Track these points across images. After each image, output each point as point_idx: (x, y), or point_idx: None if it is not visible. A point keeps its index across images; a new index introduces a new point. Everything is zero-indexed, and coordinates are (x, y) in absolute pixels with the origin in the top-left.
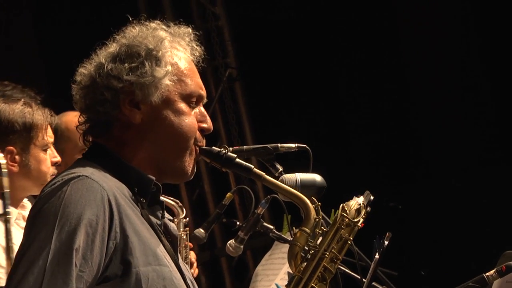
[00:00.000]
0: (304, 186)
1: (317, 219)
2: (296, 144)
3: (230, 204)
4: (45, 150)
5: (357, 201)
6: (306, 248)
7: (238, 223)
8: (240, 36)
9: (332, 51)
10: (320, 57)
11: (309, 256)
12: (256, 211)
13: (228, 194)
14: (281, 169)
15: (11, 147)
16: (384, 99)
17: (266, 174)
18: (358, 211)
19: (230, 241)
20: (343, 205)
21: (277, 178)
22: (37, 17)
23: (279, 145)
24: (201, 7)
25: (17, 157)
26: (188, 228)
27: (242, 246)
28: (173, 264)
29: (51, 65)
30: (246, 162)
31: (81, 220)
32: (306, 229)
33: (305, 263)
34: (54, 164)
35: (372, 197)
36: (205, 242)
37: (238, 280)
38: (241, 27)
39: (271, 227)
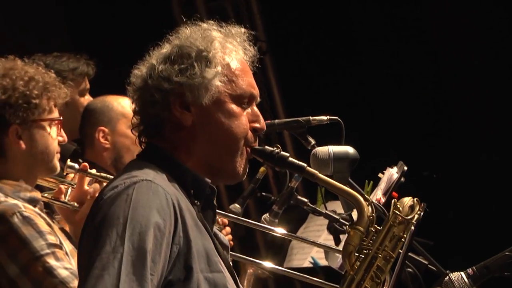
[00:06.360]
0: (337, 159)
1: (371, 217)
2: (328, 117)
3: (264, 178)
4: None
5: (411, 197)
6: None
7: (272, 197)
8: (268, 9)
9: (364, 22)
10: (351, 28)
11: (363, 256)
12: (289, 184)
13: (262, 169)
14: (313, 142)
15: None
16: (414, 66)
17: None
18: (411, 207)
19: (264, 215)
20: (396, 202)
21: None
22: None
23: (310, 118)
24: None
25: None
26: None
27: (276, 220)
28: (226, 270)
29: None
30: (299, 161)
31: (150, 223)
32: (360, 228)
33: (359, 262)
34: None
35: (406, 168)
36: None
37: (275, 254)
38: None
39: (305, 200)
